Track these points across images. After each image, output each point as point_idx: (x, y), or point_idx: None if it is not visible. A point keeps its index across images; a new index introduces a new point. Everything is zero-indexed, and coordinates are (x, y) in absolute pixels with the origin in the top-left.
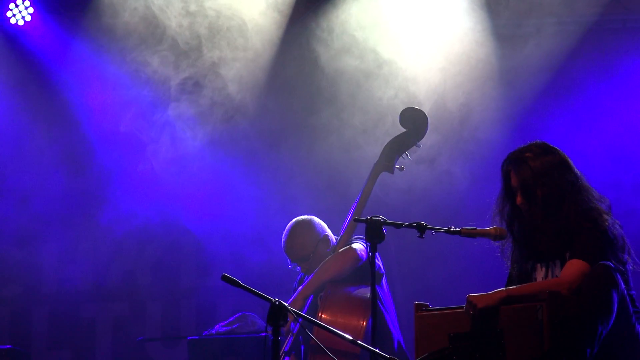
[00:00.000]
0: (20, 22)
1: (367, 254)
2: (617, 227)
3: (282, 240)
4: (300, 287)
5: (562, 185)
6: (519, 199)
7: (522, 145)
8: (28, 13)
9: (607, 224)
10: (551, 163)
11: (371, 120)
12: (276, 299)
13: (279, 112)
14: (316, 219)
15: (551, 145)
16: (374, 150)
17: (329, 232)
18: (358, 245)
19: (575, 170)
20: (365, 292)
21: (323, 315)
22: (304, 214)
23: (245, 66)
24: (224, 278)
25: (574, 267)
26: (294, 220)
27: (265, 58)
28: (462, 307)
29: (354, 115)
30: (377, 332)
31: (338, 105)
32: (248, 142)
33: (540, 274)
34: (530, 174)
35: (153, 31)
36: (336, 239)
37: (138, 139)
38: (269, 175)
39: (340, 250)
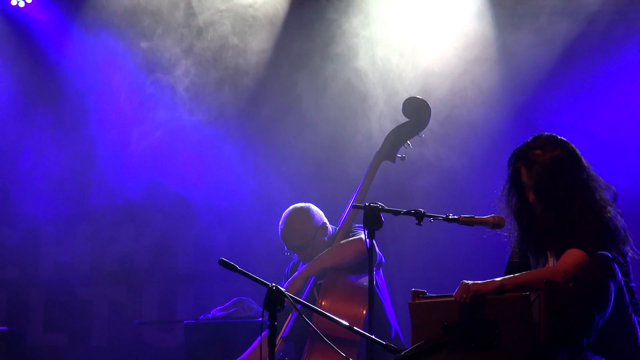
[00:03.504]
0: (21, 4)
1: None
2: (619, 218)
3: (280, 227)
4: (300, 268)
5: (574, 181)
6: (531, 198)
7: (530, 140)
8: None
9: (609, 215)
10: (561, 158)
11: (370, 106)
12: (273, 284)
13: (284, 92)
14: (314, 207)
15: (559, 138)
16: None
17: (326, 220)
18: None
19: (584, 161)
20: (365, 280)
21: (323, 303)
22: (303, 202)
23: (247, 41)
24: (222, 262)
25: (571, 256)
26: (291, 207)
27: (271, 32)
28: None
29: (354, 98)
30: (374, 320)
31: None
32: (251, 124)
33: (542, 264)
34: (543, 174)
35: (151, 9)
36: (333, 228)
37: (135, 118)
38: (271, 161)
39: (348, 239)
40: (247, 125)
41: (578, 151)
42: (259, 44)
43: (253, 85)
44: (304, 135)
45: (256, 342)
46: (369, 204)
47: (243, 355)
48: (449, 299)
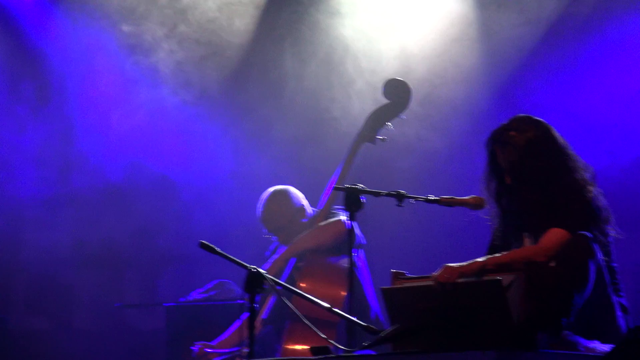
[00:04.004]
0: None
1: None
2: (601, 198)
3: (259, 209)
4: (280, 251)
5: (550, 161)
6: (508, 179)
7: (505, 122)
8: None
9: (590, 194)
10: (537, 139)
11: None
12: (253, 267)
13: (266, 73)
14: (293, 189)
15: (534, 118)
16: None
17: (305, 202)
18: (345, 218)
19: (560, 140)
20: (345, 262)
21: (302, 285)
22: (283, 184)
23: (231, 21)
24: (202, 245)
25: (553, 235)
26: (270, 189)
27: (254, 12)
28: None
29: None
30: (355, 302)
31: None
32: (233, 104)
33: (525, 244)
34: (517, 155)
35: None
36: (314, 210)
37: (117, 99)
38: (253, 141)
39: (329, 221)
40: (230, 106)
41: (555, 131)
42: (242, 24)
43: (236, 66)
44: (285, 115)
45: (236, 324)
46: (349, 186)
47: (223, 337)
48: (425, 282)
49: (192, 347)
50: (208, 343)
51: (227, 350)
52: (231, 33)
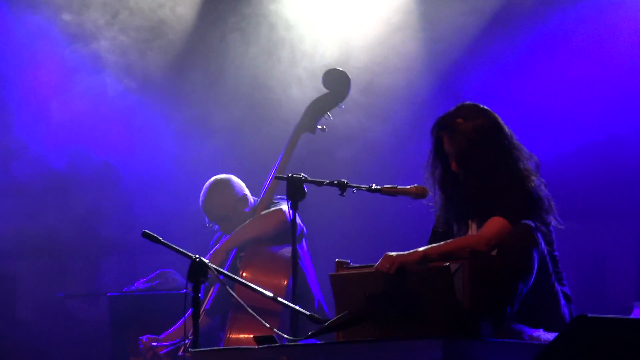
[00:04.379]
0: None
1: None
2: (543, 187)
3: (200, 198)
4: (223, 240)
5: (496, 150)
6: (454, 166)
7: (452, 109)
8: None
9: (533, 184)
10: (483, 127)
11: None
12: (197, 256)
13: (209, 61)
14: (234, 179)
15: (481, 106)
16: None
17: (247, 192)
18: (286, 208)
19: (506, 129)
20: (287, 251)
21: (244, 274)
22: (223, 174)
23: (174, 9)
24: (145, 234)
25: (494, 224)
26: (212, 179)
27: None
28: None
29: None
30: (297, 291)
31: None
32: (176, 92)
33: (464, 232)
34: (464, 142)
35: None
36: (255, 200)
37: (58, 87)
38: (195, 129)
39: (270, 210)
40: (172, 92)
41: (501, 120)
42: (184, 10)
43: (178, 52)
44: (227, 101)
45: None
46: (292, 175)
47: (170, 330)
48: (371, 269)
49: (139, 342)
50: (154, 337)
51: (173, 342)
52: (174, 19)
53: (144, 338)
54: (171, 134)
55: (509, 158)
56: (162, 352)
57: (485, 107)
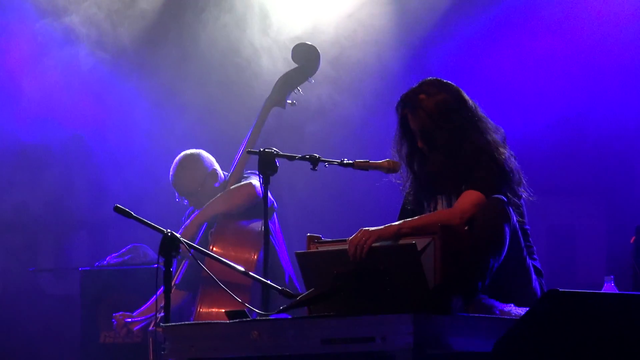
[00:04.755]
0: None
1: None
2: (513, 160)
3: (170, 173)
4: (194, 215)
5: (460, 124)
6: (419, 143)
7: (415, 86)
8: None
9: (503, 157)
10: (446, 102)
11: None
12: (168, 230)
13: (182, 35)
14: (204, 153)
15: (444, 81)
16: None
17: (217, 166)
18: (256, 182)
19: (470, 102)
20: (257, 226)
21: (214, 249)
22: (193, 148)
23: None
24: (116, 209)
25: (467, 197)
26: (181, 153)
27: None
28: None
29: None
30: (268, 265)
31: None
32: (149, 66)
33: (438, 208)
34: (428, 118)
35: None
36: (225, 175)
37: (29, 61)
38: (167, 103)
39: (240, 184)
40: (145, 67)
41: (464, 93)
42: None
43: (151, 24)
44: (199, 77)
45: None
46: (264, 149)
47: (144, 306)
48: (340, 246)
49: (112, 320)
50: (128, 313)
51: (146, 317)
52: None
53: (118, 314)
54: (144, 108)
55: (475, 131)
56: (136, 327)
57: (447, 81)
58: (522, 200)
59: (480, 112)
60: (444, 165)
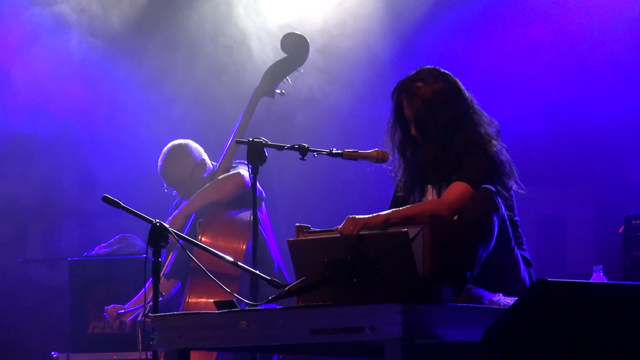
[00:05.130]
0: None
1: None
2: (505, 152)
3: (159, 164)
4: (182, 205)
5: (455, 115)
6: (413, 131)
7: (412, 73)
8: None
9: (494, 149)
10: (442, 91)
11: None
12: (157, 220)
13: (174, 22)
14: (193, 143)
15: (441, 70)
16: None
17: (205, 156)
18: (245, 172)
19: (466, 94)
20: (245, 216)
21: (203, 239)
22: (181, 139)
23: None
24: (105, 199)
25: (456, 188)
26: (170, 144)
27: None
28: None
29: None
30: (257, 255)
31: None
32: (140, 52)
33: (429, 198)
34: (423, 106)
35: None
36: (214, 165)
37: (19, 48)
38: (158, 91)
39: (228, 174)
40: (136, 54)
41: (460, 84)
42: None
43: (143, 12)
44: (187, 65)
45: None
46: (253, 139)
47: (135, 298)
48: (332, 234)
49: (104, 313)
50: (120, 305)
51: (138, 307)
52: None
53: (110, 307)
54: (134, 95)
55: (469, 123)
56: (129, 319)
57: (445, 71)
58: (512, 192)
59: (476, 104)
60: (435, 155)
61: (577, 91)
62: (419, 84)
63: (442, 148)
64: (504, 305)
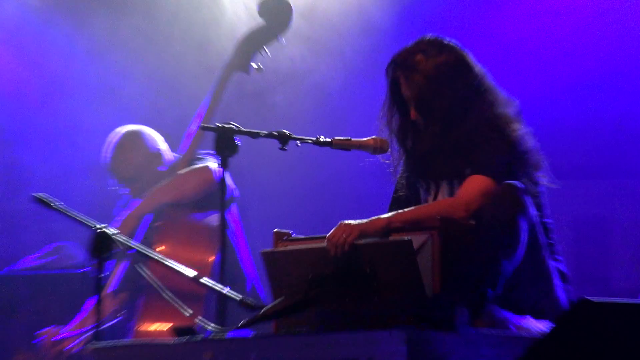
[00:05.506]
0: None
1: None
2: (530, 138)
3: (105, 155)
4: (134, 205)
5: (463, 92)
6: (413, 114)
7: (410, 44)
8: None
9: (516, 133)
10: (447, 64)
11: None
12: (101, 226)
13: None
14: (147, 130)
15: (445, 40)
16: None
17: (163, 146)
18: (213, 165)
19: (476, 68)
20: (213, 220)
21: (160, 248)
22: (133, 125)
23: None
24: (36, 199)
25: (473, 184)
26: (118, 130)
27: None
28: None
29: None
30: (227, 269)
31: None
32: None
33: (437, 196)
34: (425, 83)
35: None
36: (175, 157)
37: None
38: (110, 62)
39: (191, 167)
40: (79, 13)
41: (470, 57)
42: None
43: None
44: (144, 32)
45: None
46: (221, 125)
47: (76, 319)
48: (319, 243)
49: (37, 339)
50: (55, 329)
51: (80, 332)
52: None
53: (45, 330)
54: (77, 65)
55: (482, 102)
56: (67, 347)
57: (450, 41)
58: (541, 188)
59: (489, 80)
60: (442, 141)
61: (614, 68)
62: (419, 56)
63: (450, 133)
64: (536, 331)
